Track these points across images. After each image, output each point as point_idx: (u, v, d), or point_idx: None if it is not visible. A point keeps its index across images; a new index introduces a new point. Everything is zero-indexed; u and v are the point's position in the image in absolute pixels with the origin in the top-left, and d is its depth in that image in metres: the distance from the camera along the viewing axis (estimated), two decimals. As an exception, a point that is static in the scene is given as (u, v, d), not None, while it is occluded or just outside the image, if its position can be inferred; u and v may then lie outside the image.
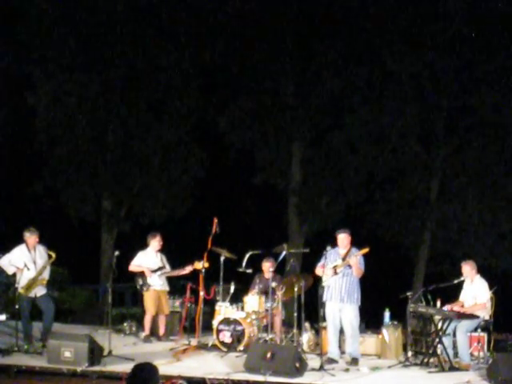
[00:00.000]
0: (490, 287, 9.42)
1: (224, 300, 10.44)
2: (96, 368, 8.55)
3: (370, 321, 10.47)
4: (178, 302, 11.32)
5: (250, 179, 17.91)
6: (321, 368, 8.55)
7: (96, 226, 17.61)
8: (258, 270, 10.77)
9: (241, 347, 9.68)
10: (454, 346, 9.20)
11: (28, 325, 9.95)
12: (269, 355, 8.27)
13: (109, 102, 16.88)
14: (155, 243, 10.76)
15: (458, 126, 17.44)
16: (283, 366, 8.22)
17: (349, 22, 16.66)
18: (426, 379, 8.51)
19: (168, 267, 10.81)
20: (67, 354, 8.58)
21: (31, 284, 9.79)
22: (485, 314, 9.29)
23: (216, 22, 16.81)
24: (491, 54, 16.55)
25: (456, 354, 9.18)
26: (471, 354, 9.31)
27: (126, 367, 6.77)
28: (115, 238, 17.51)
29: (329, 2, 16.71)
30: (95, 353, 8.68)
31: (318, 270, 9.30)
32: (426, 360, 9.08)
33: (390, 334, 9.79)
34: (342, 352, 9.45)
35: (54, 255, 10.01)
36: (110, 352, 9.02)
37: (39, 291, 9.90)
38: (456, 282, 9.49)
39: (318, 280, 9.38)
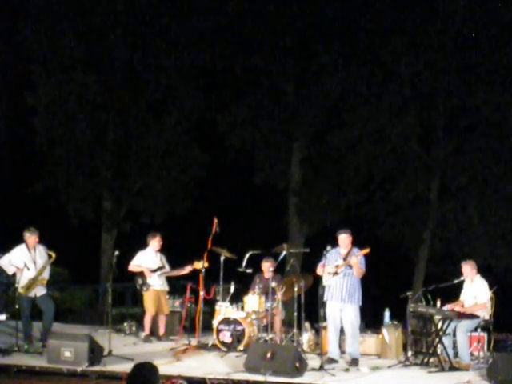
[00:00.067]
0: (490, 287, 9.42)
1: (224, 300, 10.44)
2: (96, 368, 8.56)
3: (370, 321, 10.47)
4: (178, 302, 11.31)
5: (250, 179, 17.91)
6: (321, 368, 8.55)
7: (96, 226, 17.62)
8: (258, 269, 10.77)
9: (241, 347, 9.68)
10: (454, 346, 9.20)
11: (28, 325, 9.95)
12: (269, 355, 8.27)
13: (109, 102, 16.88)
14: (155, 243, 10.77)
15: (458, 126, 17.42)
16: (283, 365, 8.22)
17: (349, 22, 16.66)
18: (426, 379, 8.51)
19: (167, 267, 10.82)
20: (67, 353, 8.58)
21: (31, 284, 9.78)
22: (485, 313, 9.29)
23: (216, 22, 16.81)
24: (491, 54, 16.55)
25: (456, 354, 9.18)
26: (471, 354, 9.31)
27: (126, 367, 6.76)
28: (115, 237, 17.52)
29: (329, 2, 16.71)
30: (95, 353, 8.68)
31: (319, 270, 9.30)
32: (426, 360, 9.08)
33: (390, 333, 9.79)
34: (342, 352, 9.45)
35: (54, 255, 10.01)
36: (110, 352, 9.03)
37: (39, 291, 9.90)
38: (456, 281, 9.49)
39: (318, 280, 9.38)
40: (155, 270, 10.65)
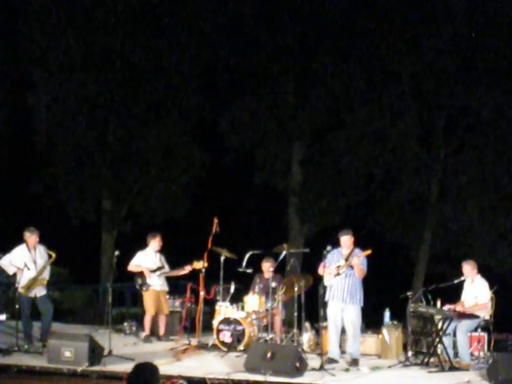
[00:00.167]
0: (490, 287, 9.42)
1: (224, 300, 10.44)
2: (96, 368, 8.56)
3: (370, 321, 10.46)
4: (178, 302, 11.32)
5: (250, 179, 17.90)
6: (321, 368, 8.55)
7: (96, 226, 17.61)
8: (258, 270, 10.78)
9: (241, 347, 9.68)
10: (454, 346, 9.21)
11: (28, 325, 9.96)
12: (269, 355, 8.27)
13: (109, 101, 16.87)
14: (155, 243, 10.77)
15: (458, 126, 17.42)
16: (283, 365, 8.22)
17: (349, 22, 16.64)
18: (426, 379, 8.52)
19: (167, 267, 10.82)
20: (67, 353, 8.59)
21: (31, 284, 9.79)
22: (485, 313, 9.30)
23: (216, 22, 16.81)
24: (491, 54, 16.54)
25: (456, 354, 9.19)
26: (471, 354, 9.32)
27: (126, 367, 6.77)
28: (115, 237, 17.50)
29: (329, 2, 16.71)
30: (95, 353, 8.68)
31: (320, 270, 9.30)
32: (426, 360, 9.08)
33: (391, 333, 9.79)
34: (343, 352, 9.45)
35: (54, 255, 10.02)
36: (110, 352, 9.03)
37: (39, 291, 9.90)
38: (456, 281, 9.49)
39: (318, 280, 9.38)
40: (155, 270, 10.65)
